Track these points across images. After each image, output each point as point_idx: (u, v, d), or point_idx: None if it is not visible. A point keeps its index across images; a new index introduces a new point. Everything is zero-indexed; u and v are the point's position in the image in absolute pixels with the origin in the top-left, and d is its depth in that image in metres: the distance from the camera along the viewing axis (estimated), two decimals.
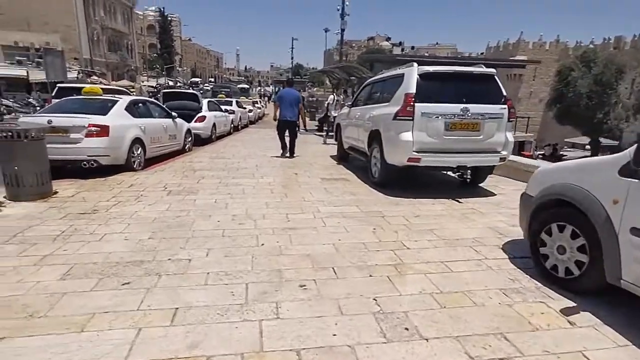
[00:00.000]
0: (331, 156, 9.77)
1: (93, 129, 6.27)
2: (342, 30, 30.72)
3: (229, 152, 10.03)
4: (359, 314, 2.48)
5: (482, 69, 5.76)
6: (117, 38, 51.73)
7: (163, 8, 73.58)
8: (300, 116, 9.40)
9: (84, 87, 8.58)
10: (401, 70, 5.94)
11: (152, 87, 48.12)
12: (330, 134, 12.70)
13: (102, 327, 2.26)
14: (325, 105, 16.03)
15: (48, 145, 5.94)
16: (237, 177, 6.83)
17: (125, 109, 7.08)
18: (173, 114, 8.96)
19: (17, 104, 22.87)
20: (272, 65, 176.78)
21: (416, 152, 5.38)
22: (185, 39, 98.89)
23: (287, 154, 9.32)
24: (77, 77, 34.99)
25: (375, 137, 6.29)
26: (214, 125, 12.55)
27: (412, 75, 5.51)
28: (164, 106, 9.61)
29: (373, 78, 7.48)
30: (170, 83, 59.82)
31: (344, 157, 8.93)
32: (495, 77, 5.63)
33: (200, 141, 11.38)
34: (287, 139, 9.27)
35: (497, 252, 3.59)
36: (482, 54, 58.10)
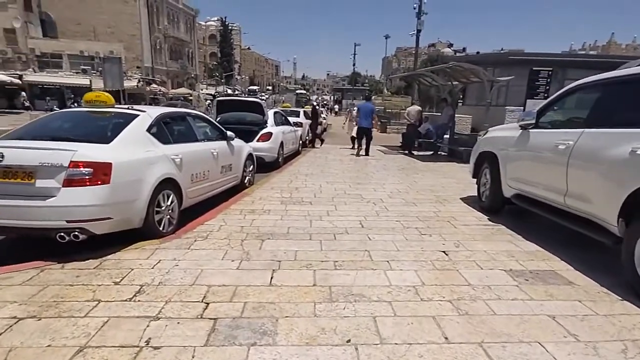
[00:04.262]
0: (462, 199, 6.32)
1: (83, 170, 3.31)
2: (419, 31, 27.20)
3: (307, 189, 6.81)
4: None
5: None
6: (179, 46, 51.62)
7: (225, 17, 74.22)
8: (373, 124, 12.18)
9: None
10: None
11: (210, 94, 47.47)
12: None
13: None
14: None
15: None
16: (342, 261, 3.59)
17: (148, 131, 4.09)
18: (229, 133, 5.98)
19: None
20: (328, 74, 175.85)
21: None
22: (244, 47, 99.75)
23: (362, 153, 11.65)
24: (137, 86, 34.36)
25: None
26: (282, 144, 9.40)
27: None
28: (217, 121, 6.70)
29: (611, 75, 3.84)
30: (229, 91, 59.32)
31: (496, 206, 5.45)
32: None
33: (263, 166, 8.34)
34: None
35: None
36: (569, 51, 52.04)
